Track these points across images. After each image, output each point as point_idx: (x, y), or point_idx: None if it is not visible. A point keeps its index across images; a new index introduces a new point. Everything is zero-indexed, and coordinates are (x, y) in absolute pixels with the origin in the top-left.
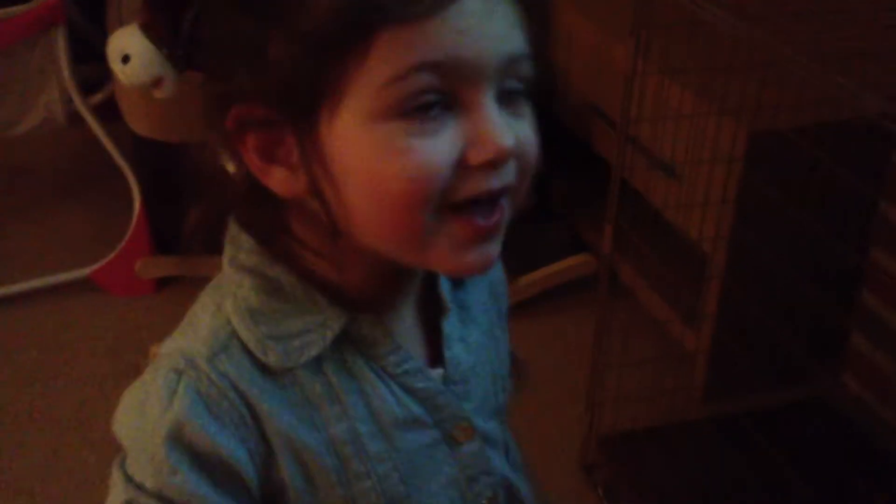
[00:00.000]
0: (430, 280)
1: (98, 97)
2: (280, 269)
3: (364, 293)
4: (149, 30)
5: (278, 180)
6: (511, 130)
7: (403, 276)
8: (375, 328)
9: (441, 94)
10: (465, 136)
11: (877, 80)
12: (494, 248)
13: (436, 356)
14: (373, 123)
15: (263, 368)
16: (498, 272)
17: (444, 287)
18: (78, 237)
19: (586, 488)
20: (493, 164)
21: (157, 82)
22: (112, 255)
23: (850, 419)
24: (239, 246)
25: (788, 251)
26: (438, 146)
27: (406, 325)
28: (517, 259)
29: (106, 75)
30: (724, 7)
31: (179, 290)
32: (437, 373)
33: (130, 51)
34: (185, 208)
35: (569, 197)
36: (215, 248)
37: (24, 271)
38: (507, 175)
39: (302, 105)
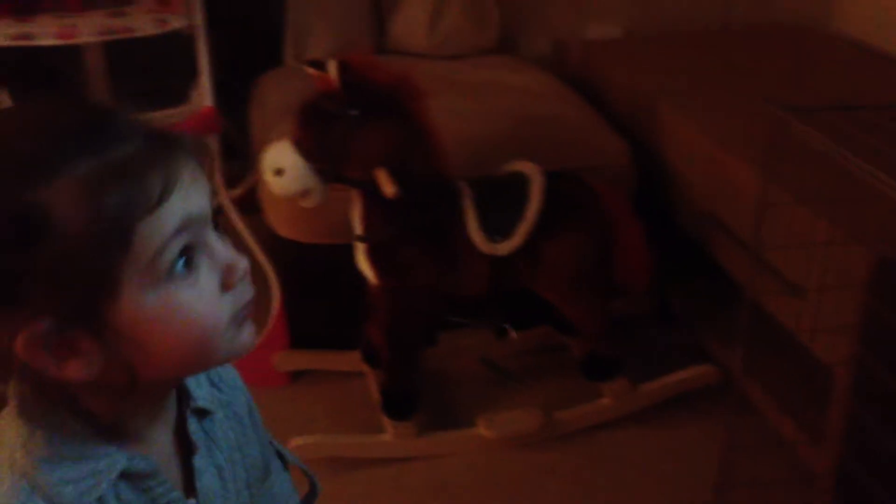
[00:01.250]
0: (182, 422)
1: (238, 192)
2: (65, 417)
3: (133, 427)
4: (300, 145)
5: (74, 370)
6: (237, 253)
7: (161, 408)
8: (147, 465)
9: (188, 248)
10: (215, 269)
11: None
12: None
13: (190, 485)
14: (148, 294)
15: None
16: (239, 394)
17: (192, 425)
18: None
19: None
20: (243, 279)
21: (305, 193)
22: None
23: None
24: (24, 398)
25: None
26: (205, 289)
27: (167, 461)
28: (637, 366)
29: (243, 172)
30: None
31: (312, 382)
32: (192, 501)
33: (284, 164)
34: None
35: (688, 303)
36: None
37: None
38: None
39: (85, 307)
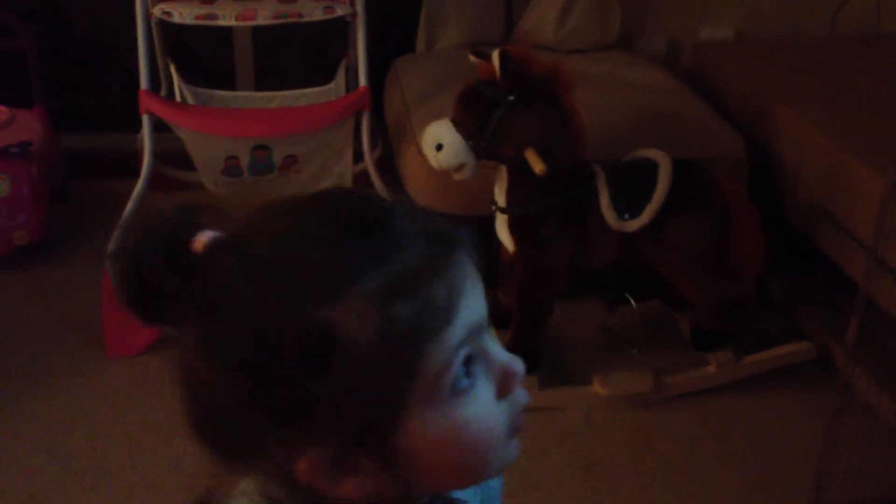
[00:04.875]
0: None
1: (376, 153)
2: None
3: None
4: (460, 124)
5: (348, 488)
6: (511, 354)
7: None
8: None
9: (468, 359)
10: (491, 375)
11: None
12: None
13: None
14: (431, 412)
15: None
16: (495, 497)
17: None
18: None
19: None
20: (520, 385)
21: (460, 167)
22: None
23: None
24: (271, 499)
25: None
26: (486, 402)
27: None
28: (740, 342)
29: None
30: None
31: None
32: None
33: (444, 140)
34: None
35: (788, 289)
36: None
37: None
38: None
39: (370, 431)
